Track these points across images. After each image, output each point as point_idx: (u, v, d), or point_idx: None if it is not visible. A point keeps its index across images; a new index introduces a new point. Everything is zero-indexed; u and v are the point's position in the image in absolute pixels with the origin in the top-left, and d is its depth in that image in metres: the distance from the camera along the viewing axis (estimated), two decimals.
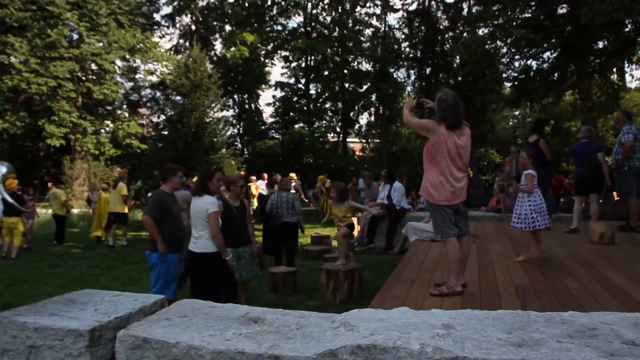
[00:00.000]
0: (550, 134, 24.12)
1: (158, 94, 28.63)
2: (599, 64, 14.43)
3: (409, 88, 28.79)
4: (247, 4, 30.28)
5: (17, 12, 21.12)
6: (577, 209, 6.94)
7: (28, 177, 17.09)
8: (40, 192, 22.95)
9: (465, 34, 23.00)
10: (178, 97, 20.51)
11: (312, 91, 31.23)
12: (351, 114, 30.93)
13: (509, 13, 15.00)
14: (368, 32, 30.70)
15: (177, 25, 32.28)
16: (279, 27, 30.91)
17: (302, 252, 8.73)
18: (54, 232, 11.38)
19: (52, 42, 21.22)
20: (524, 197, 4.96)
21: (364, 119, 32.84)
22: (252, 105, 32.58)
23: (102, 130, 25.75)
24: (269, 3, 30.23)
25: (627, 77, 20.31)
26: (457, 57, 23.43)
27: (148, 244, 4.68)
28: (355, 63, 30.48)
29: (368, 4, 29.56)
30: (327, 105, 31.91)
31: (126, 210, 10.91)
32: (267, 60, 31.94)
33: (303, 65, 30.76)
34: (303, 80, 30.92)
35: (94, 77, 25.09)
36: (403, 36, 27.08)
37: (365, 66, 30.10)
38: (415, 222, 7.63)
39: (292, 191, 7.84)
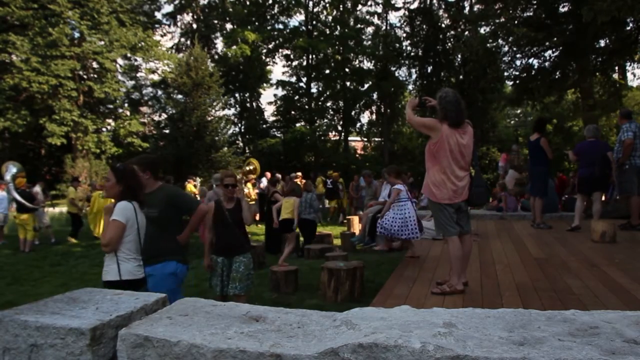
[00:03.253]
0: (552, 132, 24.10)
1: (159, 92, 28.79)
2: (600, 62, 14.42)
3: (410, 86, 28.80)
4: (248, 3, 30.21)
5: (19, 11, 21.13)
6: (578, 207, 6.94)
7: (29, 176, 17.11)
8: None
9: (466, 33, 22.99)
10: (179, 96, 20.57)
11: (314, 90, 31.18)
12: (352, 113, 30.87)
13: (511, 11, 14.97)
14: (369, 30, 30.71)
15: (179, 23, 32.35)
16: (280, 26, 30.88)
17: (304, 250, 8.72)
18: (57, 230, 11.49)
19: (54, 40, 21.24)
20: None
21: (365, 118, 32.85)
22: (254, 104, 32.55)
23: (104, 129, 25.81)
24: (270, 1, 30.13)
25: (629, 75, 20.31)
26: (459, 56, 23.42)
27: None
28: (357, 61, 30.43)
29: (369, 3, 29.49)
30: (329, 104, 31.84)
31: None
32: (268, 59, 31.89)
33: (304, 63, 30.67)
34: (304, 79, 30.85)
35: (95, 76, 25.13)
36: (404, 35, 27.05)
37: (367, 65, 30.07)
38: None
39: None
